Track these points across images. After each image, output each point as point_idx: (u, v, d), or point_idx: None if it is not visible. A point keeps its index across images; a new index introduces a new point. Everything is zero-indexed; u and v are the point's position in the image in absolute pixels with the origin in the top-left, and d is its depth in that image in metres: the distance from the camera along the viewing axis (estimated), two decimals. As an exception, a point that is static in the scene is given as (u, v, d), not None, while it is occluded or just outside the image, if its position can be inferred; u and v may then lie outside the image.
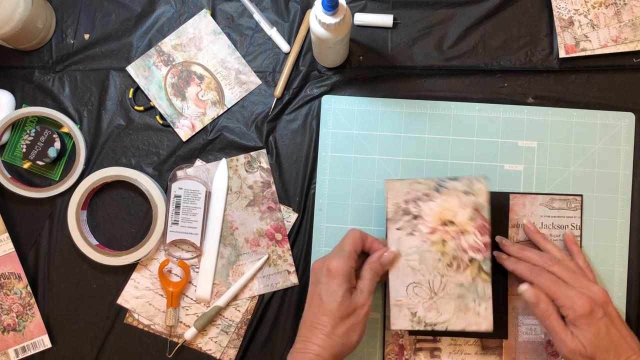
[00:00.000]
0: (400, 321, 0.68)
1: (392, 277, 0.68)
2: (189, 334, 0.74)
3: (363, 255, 0.68)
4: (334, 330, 0.63)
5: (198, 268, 0.75)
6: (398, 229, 0.68)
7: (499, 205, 0.73)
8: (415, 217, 0.68)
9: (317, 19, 0.63)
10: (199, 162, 0.76)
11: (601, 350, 0.62)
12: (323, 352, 0.62)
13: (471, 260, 0.68)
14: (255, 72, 0.77)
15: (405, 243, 0.68)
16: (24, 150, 0.74)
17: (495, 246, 0.72)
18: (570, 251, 0.72)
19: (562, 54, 0.75)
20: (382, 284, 0.74)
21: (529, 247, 0.71)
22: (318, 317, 0.63)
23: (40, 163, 0.74)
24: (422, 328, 0.68)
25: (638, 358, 0.62)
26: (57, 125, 0.75)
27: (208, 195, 0.75)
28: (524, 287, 0.66)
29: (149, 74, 0.76)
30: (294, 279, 0.75)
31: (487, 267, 0.68)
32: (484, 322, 0.68)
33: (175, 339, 0.75)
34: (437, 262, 0.68)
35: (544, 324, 0.65)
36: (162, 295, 0.75)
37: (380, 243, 0.69)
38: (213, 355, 0.75)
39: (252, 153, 0.76)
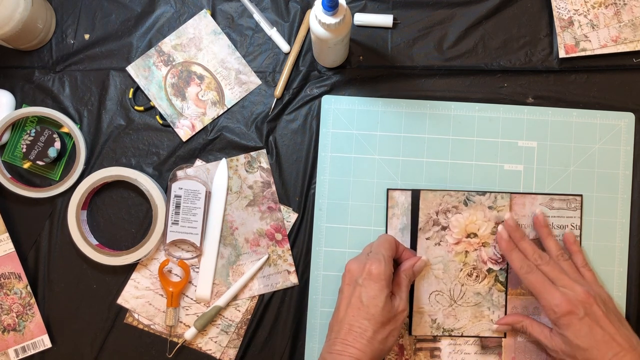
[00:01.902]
0: (421, 328, 0.72)
1: (418, 285, 0.72)
2: (189, 334, 0.74)
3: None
4: (375, 336, 0.63)
5: (198, 268, 0.75)
6: (427, 238, 0.72)
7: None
8: (444, 228, 0.72)
9: (317, 19, 0.63)
10: (199, 162, 0.76)
11: (581, 350, 0.63)
12: (363, 357, 0.62)
13: (489, 270, 0.72)
14: (255, 72, 0.76)
15: (432, 252, 0.72)
16: (24, 150, 0.74)
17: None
18: (570, 251, 0.72)
19: (562, 54, 0.75)
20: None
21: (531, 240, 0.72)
22: (359, 321, 0.63)
23: (40, 163, 0.74)
24: (440, 334, 0.72)
25: (627, 354, 0.62)
26: (57, 125, 0.75)
27: (208, 195, 0.75)
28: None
29: (149, 74, 0.76)
30: (294, 279, 0.75)
31: (502, 277, 0.72)
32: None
33: (175, 339, 0.75)
34: (458, 272, 0.72)
35: (526, 334, 0.71)
36: (162, 295, 0.75)
37: (410, 251, 0.72)
38: (213, 355, 0.75)
39: (252, 153, 0.76)
